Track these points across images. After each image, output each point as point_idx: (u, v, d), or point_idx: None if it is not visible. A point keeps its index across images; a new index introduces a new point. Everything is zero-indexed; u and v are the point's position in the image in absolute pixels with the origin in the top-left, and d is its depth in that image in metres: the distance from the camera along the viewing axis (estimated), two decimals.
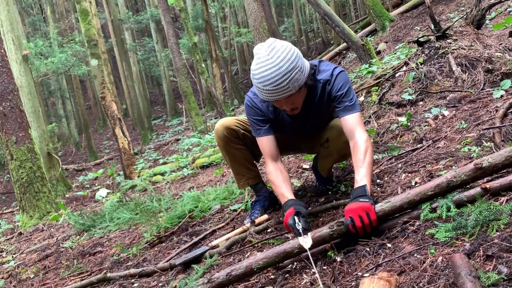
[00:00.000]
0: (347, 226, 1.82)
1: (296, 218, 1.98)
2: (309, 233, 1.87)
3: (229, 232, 2.67)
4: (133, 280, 2.54)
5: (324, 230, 1.84)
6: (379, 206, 1.85)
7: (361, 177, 2.02)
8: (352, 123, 2.18)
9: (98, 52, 8.37)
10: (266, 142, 2.37)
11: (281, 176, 2.30)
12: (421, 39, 4.41)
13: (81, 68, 14.78)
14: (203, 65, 12.21)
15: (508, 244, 1.37)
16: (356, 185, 2.01)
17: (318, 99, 2.30)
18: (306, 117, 2.40)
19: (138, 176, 8.00)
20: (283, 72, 2.00)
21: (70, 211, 7.02)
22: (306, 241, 1.83)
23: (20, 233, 6.18)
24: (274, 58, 2.01)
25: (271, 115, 2.37)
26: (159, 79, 29.82)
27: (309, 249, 1.81)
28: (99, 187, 10.34)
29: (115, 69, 25.95)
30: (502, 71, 3.66)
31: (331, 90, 2.25)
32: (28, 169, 6.55)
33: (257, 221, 2.60)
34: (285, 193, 2.24)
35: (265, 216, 2.65)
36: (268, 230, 2.47)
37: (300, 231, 1.90)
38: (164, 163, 9.32)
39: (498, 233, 1.52)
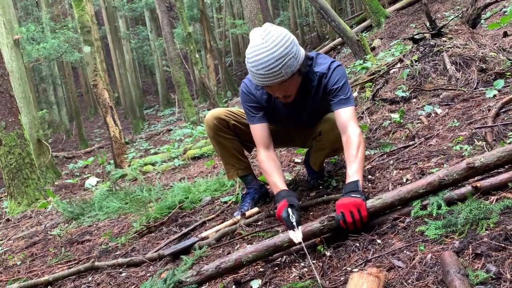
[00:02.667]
0: (338, 221, 1.82)
1: (290, 210, 1.97)
2: (299, 227, 1.87)
3: (219, 224, 2.66)
4: (121, 270, 2.52)
5: (315, 224, 1.83)
6: (370, 203, 1.85)
7: (353, 172, 2.01)
8: (345, 117, 2.17)
9: (91, 39, 8.27)
10: (259, 130, 2.37)
11: (273, 165, 2.30)
12: (417, 37, 4.41)
13: (74, 54, 14.63)
14: (197, 56, 12.14)
15: (497, 243, 1.38)
16: (348, 180, 2.01)
17: (314, 92, 2.30)
18: (301, 109, 2.39)
19: (129, 166, 7.96)
20: (276, 56, 2.00)
21: (59, 198, 6.97)
22: (296, 235, 1.83)
23: (8, 220, 6.13)
24: (268, 43, 2.01)
25: (265, 103, 2.37)
26: (152, 68, 29.62)
27: (300, 243, 1.81)
28: (89, 175, 10.27)
29: (108, 57, 25.71)
30: (495, 70, 3.67)
31: (327, 83, 2.24)
32: (17, 155, 6.48)
33: (247, 213, 2.60)
34: (277, 183, 2.24)
35: (256, 209, 2.64)
36: (258, 223, 2.46)
37: (294, 224, 1.90)
38: (155, 153, 9.28)
39: (487, 231, 1.52)
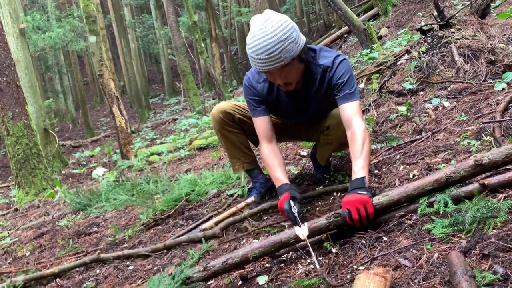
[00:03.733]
0: (344, 218, 1.82)
1: (291, 202, 2.02)
2: (305, 223, 1.87)
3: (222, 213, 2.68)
4: (128, 263, 2.55)
5: (321, 221, 1.84)
6: (377, 199, 1.85)
7: (359, 168, 2.01)
8: (350, 111, 2.16)
9: (96, 28, 8.26)
10: (261, 123, 2.39)
11: (276, 159, 2.33)
12: (424, 28, 4.36)
13: (79, 43, 14.62)
14: (202, 45, 12.09)
15: (504, 244, 1.37)
16: (354, 176, 2.00)
17: (317, 85, 2.29)
18: (305, 103, 2.38)
19: (135, 156, 7.99)
20: (276, 40, 2.00)
21: (66, 188, 7.02)
22: (302, 231, 1.83)
23: (16, 209, 6.19)
24: (267, 27, 2.02)
25: (267, 97, 2.37)
26: (157, 57, 29.55)
27: (306, 238, 1.82)
28: (95, 165, 10.34)
29: (113, 46, 25.69)
30: (504, 63, 3.63)
31: (332, 78, 2.23)
32: (25, 145, 6.53)
33: (248, 201, 2.64)
34: (279, 177, 2.27)
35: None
36: (265, 218, 2.47)
37: (295, 215, 1.94)
38: (161, 143, 9.30)
39: (495, 231, 1.52)
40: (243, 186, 3.15)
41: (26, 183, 6.55)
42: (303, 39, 2.12)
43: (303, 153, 3.59)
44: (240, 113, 2.62)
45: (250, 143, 2.77)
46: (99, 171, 6.04)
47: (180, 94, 21.09)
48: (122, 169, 5.32)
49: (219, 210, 2.89)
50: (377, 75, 4.44)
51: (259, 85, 2.36)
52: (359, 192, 1.87)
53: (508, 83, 3.23)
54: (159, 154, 7.83)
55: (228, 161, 4.30)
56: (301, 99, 2.34)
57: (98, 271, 2.56)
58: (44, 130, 10.68)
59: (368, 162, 2.05)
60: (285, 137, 2.90)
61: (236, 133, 2.65)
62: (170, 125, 14.75)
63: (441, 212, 1.73)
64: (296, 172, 3.18)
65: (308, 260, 1.80)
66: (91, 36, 8.19)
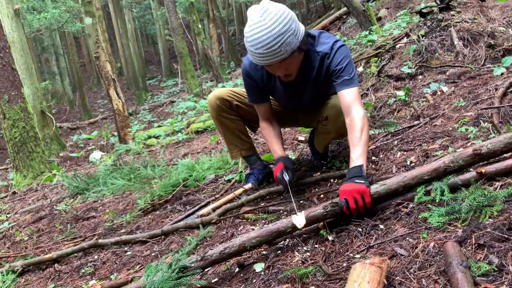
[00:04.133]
0: (341, 207, 1.82)
1: (284, 171, 2.21)
2: (303, 212, 1.87)
3: (219, 200, 2.69)
4: (126, 248, 2.56)
5: (318, 210, 1.84)
6: (374, 189, 1.84)
7: (357, 156, 2.00)
8: (349, 98, 2.14)
9: (92, 10, 8.15)
10: (260, 108, 2.50)
11: (273, 132, 2.46)
12: (424, 10, 4.32)
13: (75, 24, 14.43)
14: (199, 26, 11.96)
15: (500, 234, 1.38)
16: (352, 164, 1.99)
17: (316, 72, 2.26)
18: (303, 90, 2.36)
19: (133, 139, 7.98)
20: (275, 34, 1.96)
21: (63, 171, 7.02)
22: (299, 219, 1.84)
23: (14, 192, 6.20)
24: (266, 20, 1.97)
25: (265, 85, 2.36)
26: (154, 38, 29.27)
27: (303, 227, 1.82)
28: (93, 147, 10.32)
29: (109, 27, 25.39)
30: (504, 47, 3.61)
31: (330, 64, 2.20)
32: (21, 128, 6.50)
33: (246, 187, 2.71)
34: (276, 149, 2.43)
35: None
36: (262, 204, 2.48)
37: (287, 181, 2.17)
38: (159, 126, 9.27)
39: (491, 220, 1.52)
40: (241, 172, 3.15)
41: (23, 166, 6.54)
42: (302, 29, 2.09)
43: (301, 138, 3.58)
44: (237, 99, 2.61)
45: (247, 129, 2.76)
46: (96, 155, 6.03)
47: (177, 76, 20.94)
48: (119, 153, 5.30)
49: (217, 196, 2.89)
50: (376, 58, 4.40)
51: (257, 72, 2.34)
52: (357, 181, 1.86)
53: (507, 68, 3.21)
54: (156, 138, 7.82)
55: (225, 146, 4.29)
56: (299, 87, 2.33)
57: (96, 257, 2.57)
58: (41, 112, 10.61)
59: (366, 150, 2.04)
60: (283, 123, 2.89)
61: (234, 120, 2.64)
62: (168, 107, 14.69)
63: (437, 201, 1.74)
64: (294, 158, 3.17)
65: (305, 248, 1.81)
66: (86, 17, 8.09)
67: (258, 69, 2.32)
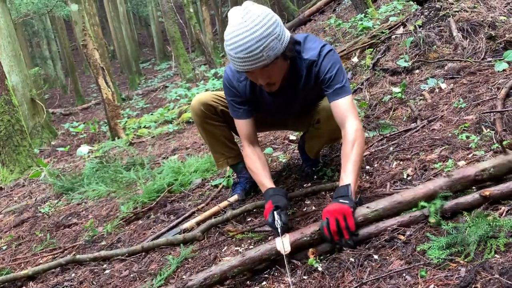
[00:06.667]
0: (322, 228, 1.67)
1: (275, 214, 1.85)
2: (288, 236, 1.71)
3: (205, 212, 2.54)
4: (105, 266, 2.41)
5: (304, 238, 1.68)
6: (363, 213, 1.69)
7: (347, 174, 1.83)
8: (343, 108, 1.97)
9: None
10: (243, 125, 2.21)
11: (258, 162, 2.16)
12: None
13: (64, 9, 14.03)
14: (191, 10, 11.64)
15: (509, 282, 1.22)
16: (341, 182, 1.83)
17: (304, 81, 2.07)
18: (291, 100, 2.18)
19: (124, 129, 7.79)
20: (257, 37, 1.76)
21: (52, 164, 6.85)
22: (284, 245, 1.68)
23: (1, 188, 6.04)
24: (248, 22, 1.78)
25: (249, 96, 2.15)
26: (147, 20, 28.73)
27: (287, 255, 1.67)
28: (84, 136, 10.14)
29: (101, 9, 24.91)
30: (505, 38, 3.41)
31: (319, 72, 2.01)
32: (6, 122, 6.30)
33: (231, 199, 2.50)
34: (263, 181, 2.11)
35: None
36: (248, 219, 2.32)
37: (279, 230, 1.78)
38: (151, 114, 9.08)
39: (497, 256, 1.37)
40: (228, 177, 2.99)
41: (10, 161, 6.37)
42: (287, 34, 1.89)
43: (292, 137, 3.41)
44: (222, 104, 2.42)
45: (234, 135, 2.57)
46: (84, 149, 5.85)
47: (171, 59, 20.57)
48: (105, 150, 5.13)
49: (202, 205, 2.73)
50: (371, 49, 4.20)
51: (240, 84, 2.14)
52: (341, 201, 1.71)
53: (509, 63, 3.02)
54: (147, 128, 7.64)
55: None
56: (287, 97, 2.14)
57: (73, 275, 2.42)
58: (31, 100, 10.35)
59: (358, 166, 1.86)
60: (271, 127, 2.72)
61: (219, 126, 2.46)
62: (161, 92, 14.45)
63: (436, 226, 1.58)
64: (284, 161, 3.01)
65: (292, 279, 1.65)
66: (72, 4, 7.81)
67: (242, 80, 2.12)
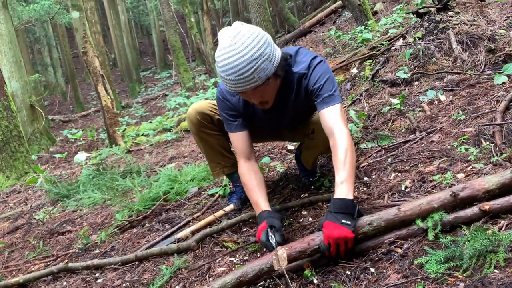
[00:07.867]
0: (323, 251, 1.65)
1: (269, 232, 1.80)
2: (284, 251, 1.67)
3: (200, 221, 2.51)
4: (97, 274, 2.37)
5: (302, 255, 1.66)
6: (362, 228, 1.66)
7: (342, 181, 1.77)
8: (331, 117, 1.92)
9: (79, 3, 7.89)
10: (238, 139, 2.16)
11: (254, 179, 2.08)
12: (421, 11, 4.10)
13: (66, 16, 14.09)
14: (192, 20, 11.68)
15: None
16: (337, 190, 1.75)
17: (294, 95, 2.05)
18: (283, 114, 2.15)
19: (122, 136, 7.76)
20: (247, 60, 1.75)
21: (49, 171, 6.81)
22: (280, 261, 1.64)
23: None
24: (238, 44, 1.76)
25: (242, 110, 2.12)
26: (149, 29, 28.85)
27: (284, 270, 1.63)
28: (83, 143, 10.11)
29: (103, 17, 25.02)
30: (505, 51, 3.40)
31: (308, 84, 1.99)
32: (4, 127, 6.28)
33: (227, 209, 2.46)
34: (258, 201, 2.02)
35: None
36: (244, 229, 2.28)
37: (274, 245, 1.73)
38: (150, 122, 9.06)
39: (496, 271, 1.34)
40: (225, 186, 2.96)
41: (7, 167, 6.33)
42: (278, 53, 1.87)
43: (290, 147, 3.38)
44: (219, 114, 2.39)
45: (229, 144, 2.55)
46: (81, 156, 5.82)
47: (172, 67, 20.61)
48: (102, 158, 5.10)
49: (198, 214, 2.70)
50: (370, 61, 4.19)
51: (233, 98, 2.11)
52: (343, 221, 1.65)
53: (508, 76, 3.01)
54: (146, 135, 7.62)
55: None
56: (279, 111, 2.12)
57: (65, 283, 2.38)
58: (30, 106, 10.34)
59: (353, 173, 1.82)
60: (268, 139, 2.70)
61: (215, 135, 2.43)
62: (161, 101, 14.44)
63: (434, 240, 1.55)
64: (281, 170, 2.98)
65: None
66: (73, 11, 7.83)
67: (235, 94, 2.10)
